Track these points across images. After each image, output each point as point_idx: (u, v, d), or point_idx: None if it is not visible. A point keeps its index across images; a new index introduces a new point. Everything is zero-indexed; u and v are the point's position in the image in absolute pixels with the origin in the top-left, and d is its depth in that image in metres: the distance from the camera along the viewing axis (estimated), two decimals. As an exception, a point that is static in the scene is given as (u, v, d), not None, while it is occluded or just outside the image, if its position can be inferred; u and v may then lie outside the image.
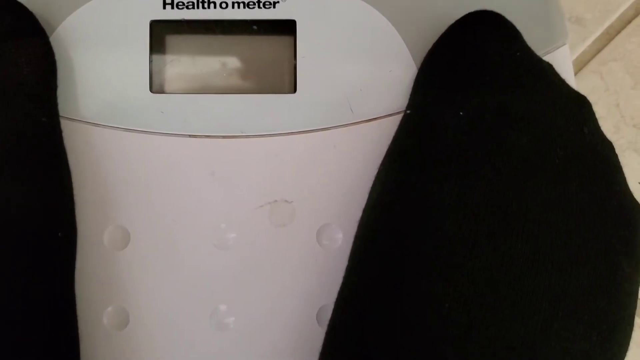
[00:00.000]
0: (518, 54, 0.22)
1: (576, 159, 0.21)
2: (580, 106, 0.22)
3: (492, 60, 0.22)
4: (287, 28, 0.25)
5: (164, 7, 0.25)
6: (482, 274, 0.19)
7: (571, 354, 0.20)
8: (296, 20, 0.25)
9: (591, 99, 0.23)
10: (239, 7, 0.25)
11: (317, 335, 0.24)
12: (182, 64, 0.26)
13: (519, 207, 0.20)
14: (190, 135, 0.25)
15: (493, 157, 0.21)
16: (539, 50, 0.24)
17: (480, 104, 0.22)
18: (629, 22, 0.38)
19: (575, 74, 0.36)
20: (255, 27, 0.26)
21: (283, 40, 0.26)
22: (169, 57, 0.26)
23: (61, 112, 0.25)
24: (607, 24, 0.37)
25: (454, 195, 0.20)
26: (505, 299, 0.19)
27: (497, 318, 0.19)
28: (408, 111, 0.24)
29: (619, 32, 0.38)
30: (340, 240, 0.25)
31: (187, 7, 0.25)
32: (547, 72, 0.23)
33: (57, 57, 0.25)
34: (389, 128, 0.25)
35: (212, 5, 0.25)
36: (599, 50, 0.37)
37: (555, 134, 0.21)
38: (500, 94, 0.22)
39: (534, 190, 0.20)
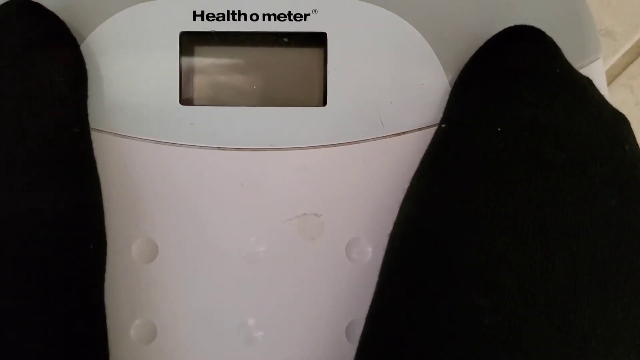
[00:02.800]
0: (558, 70, 0.22)
1: (616, 175, 0.21)
2: (619, 123, 0.22)
3: (531, 76, 0.22)
4: (318, 41, 0.25)
5: (194, 19, 0.25)
6: (520, 289, 0.19)
7: None
8: (327, 33, 0.25)
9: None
10: (269, 19, 0.25)
11: (346, 351, 0.24)
12: (211, 76, 0.26)
13: (558, 223, 0.20)
14: (219, 148, 0.25)
15: (531, 172, 0.20)
16: (573, 65, 0.23)
17: (518, 120, 0.21)
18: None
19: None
20: (286, 39, 0.26)
21: (314, 53, 0.26)
22: (198, 69, 0.26)
23: (90, 124, 0.24)
24: (637, 37, 0.37)
25: (490, 211, 0.20)
26: (543, 314, 0.19)
27: (534, 334, 0.19)
28: (443, 125, 0.24)
29: (649, 45, 0.37)
30: (370, 254, 0.24)
31: (218, 19, 0.25)
32: (587, 89, 0.22)
33: (86, 67, 0.25)
34: (419, 142, 0.24)
35: (242, 17, 0.25)
36: (628, 64, 0.37)
37: (595, 150, 0.21)
38: (538, 111, 0.21)
39: (573, 207, 0.20)
